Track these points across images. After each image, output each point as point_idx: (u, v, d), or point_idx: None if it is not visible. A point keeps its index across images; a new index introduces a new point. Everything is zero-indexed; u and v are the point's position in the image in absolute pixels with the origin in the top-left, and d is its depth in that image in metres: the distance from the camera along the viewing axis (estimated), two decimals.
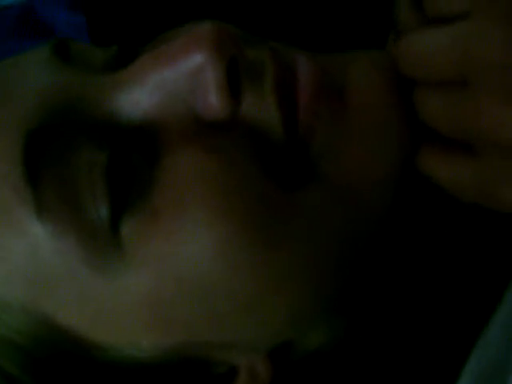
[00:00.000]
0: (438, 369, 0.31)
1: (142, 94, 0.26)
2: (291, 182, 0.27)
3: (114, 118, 0.26)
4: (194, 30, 0.25)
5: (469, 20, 0.24)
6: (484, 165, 0.25)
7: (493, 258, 0.32)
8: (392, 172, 0.29)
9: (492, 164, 0.25)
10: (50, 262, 0.25)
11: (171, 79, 0.25)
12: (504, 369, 0.25)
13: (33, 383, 0.27)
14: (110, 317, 0.27)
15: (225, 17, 0.27)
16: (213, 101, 0.25)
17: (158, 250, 0.25)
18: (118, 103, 0.26)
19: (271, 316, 0.28)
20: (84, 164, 0.25)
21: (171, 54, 0.25)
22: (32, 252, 0.25)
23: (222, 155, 0.25)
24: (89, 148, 0.25)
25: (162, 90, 0.25)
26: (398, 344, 0.32)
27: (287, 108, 0.26)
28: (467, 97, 0.25)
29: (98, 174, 0.24)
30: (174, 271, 0.26)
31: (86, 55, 0.28)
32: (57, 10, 0.56)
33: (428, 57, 0.26)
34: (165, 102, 0.26)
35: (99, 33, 0.30)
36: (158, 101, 0.26)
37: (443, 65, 0.25)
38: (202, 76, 0.25)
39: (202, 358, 0.29)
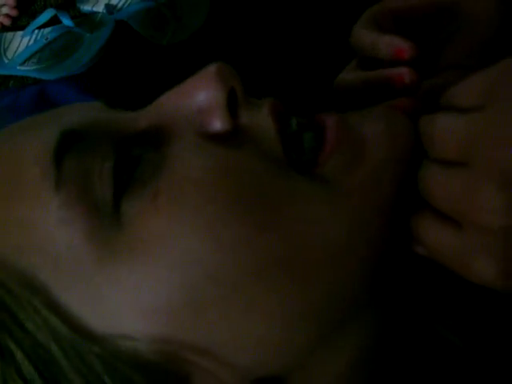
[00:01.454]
0: None
1: (161, 113, 0.32)
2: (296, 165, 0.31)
3: (129, 126, 0.32)
4: (203, 70, 0.32)
5: (482, 112, 0.27)
6: (465, 239, 0.27)
7: None
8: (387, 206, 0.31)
9: (472, 239, 0.27)
10: (58, 231, 0.29)
11: (187, 103, 0.31)
12: None
13: None
14: (104, 299, 0.28)
15: None
16: (215, 118, 0.31)
17: (154, 229, 0.28)
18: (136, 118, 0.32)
19: (256, 313, 0.29)
20: (98, 158, 0.30)
21: (186, 90, 0.32)
22: (44, 219, 0.29)
23: (222, 149, 0.30)
24: (104, 148, 0.30)
25: (177, 109, 0.32)
26: None
27: (281, 121, 0.31)
28: (463, 176, 0.27)
29: (107, 166, 0.29)
30: (168, 252, 0.28)
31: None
32: (68, 93, 0.60)
33: (438, 136, 0.29)
34: (177, 115, 0.32)
35: (112, 100, 0.35)
36: (171, 115, 0.32)
37: (449, 146, 0.28)
38: (207, 102, 0.31)
39: (185, 372, 0.29)
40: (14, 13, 0.76)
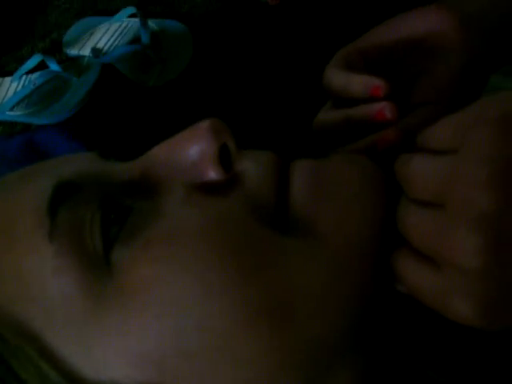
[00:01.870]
0: None
1: (154, 164, 0.33)
2: (279, 227, 0.31)
3: (122, 177, 0.33)
4: (196, 124, 0.33)
5: (454, 156, 0.28)
6: (443, 278, 0.28)
7: None
8: (368, 236, 0.32)
9: (450, 279, 0.28)
10: (51, 280, 0.29)
11: (179, 156, 0.33)
12: None
13: None
14: (95, 347, 0.29)
15: None
16: (208, 170, 0.32)
17: (144, 278, 0.29)
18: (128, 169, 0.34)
19: (242, 361, 0.29)
20: (89, 210, 0.31)
21: (179, 143, 0.33)
22: (38, 269, 0.30)
23: (213, 202, 0.31)
24: (95, 200, 0.31)
25: (170, 161, 0.33)
26: None
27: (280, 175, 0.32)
28: (439, 218, 0.28)
29: (96, 217, 0.31)
30: (156, 301, 0.29)
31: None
32: (57, 141, 0.62)
33: (414, 177, 0.30)
34: (169, 167, 0.33)
35: (103, 151, 0.36)
36: (164, 166, 0.33)
37: (425, 187, 0.29)
38: (200, 156, 0.32)
39: None
40: None
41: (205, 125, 0.32)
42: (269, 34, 0.68)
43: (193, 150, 0.32)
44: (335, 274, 0.30)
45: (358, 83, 0.38)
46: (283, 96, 0.61)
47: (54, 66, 0.73)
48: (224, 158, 0.33)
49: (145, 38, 0.71)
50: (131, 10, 0.75)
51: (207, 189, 0.32)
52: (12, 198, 0.32)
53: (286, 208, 0.32)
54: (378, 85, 0.37)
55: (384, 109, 0.36)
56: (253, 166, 0.33)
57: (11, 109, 0.74)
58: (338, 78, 0.39)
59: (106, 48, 0.74)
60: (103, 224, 0.30)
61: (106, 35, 0.76)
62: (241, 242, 0.30)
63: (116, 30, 0.76)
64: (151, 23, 0.75)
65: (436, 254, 0.28)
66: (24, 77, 0.75)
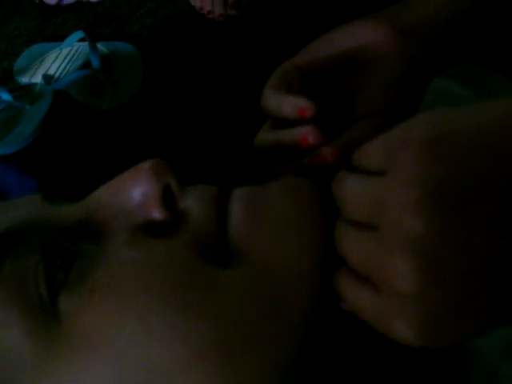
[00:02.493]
0: None
1: (98, 206, 0.33)
2: (220, 262, 0.31)
3: (66, 221, 0.33)
4: (139, 165, 0.33)
5: (384, 177, 0.28)
6: (382, 300, 0.28)
7: None
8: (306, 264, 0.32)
9: (388, 301, 0.28)
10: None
11: (122, 198, 0.33)
12: None
13: None
14: None
15: None
16: (150, 211, 0.32)
17: (91, 325, 0.29)
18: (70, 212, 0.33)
19: None
20: (33, 258, 0.31)
21: (121, 185, 0.33)
22: None
23: (155, 243, 0.31)
24: (38, 247, 0.31)
25: (113, 203, 0.33)
26: None
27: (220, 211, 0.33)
28: (374, 241, 0.28)
29: (40, 266, 0.30)
30: (103, 347, 0.29)
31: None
32: (5, 174, 0.61)
33: (348, 199, 0.30)
34: (113, 209, 0.33)
35: (50, 192, 0.36)
36: (108, 209, 0.33)
37: (358, 209, 0.29)
38: (142, 197, 0.33)
39: None
40: None
41: (146, 166, 0.33)
42: (214, 52, 0.69)
43: (135, 191, 0.32)
44: (278, 299, 0.31)
45: (288, 104, 0.38)
46: (225, 117, 0.62)
47: (5, 96, 0.72)
48: (167, 198, 0.33)
49: (95, 63, 0.72)
50: (80, 34, 0.75)
51: (152, 229, 0.32)
52: None
53: (226, 240, 0.32)
54: (305, 107, 0.37)
55: (307, 135, 0.37)
56: (195, 204, 0.33)
57: None
58: (273, 99, 0.40)
59: (57, 74, 0.75)
60: (47, 272, 0.30)
61: (57, 61, 0.76)
62: (183, 281, 0.30)
63: (66, 56, 0.76)
64: (101, 46, 0.75)
65: (373, 276, 0.28)
66: None
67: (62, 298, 0.30)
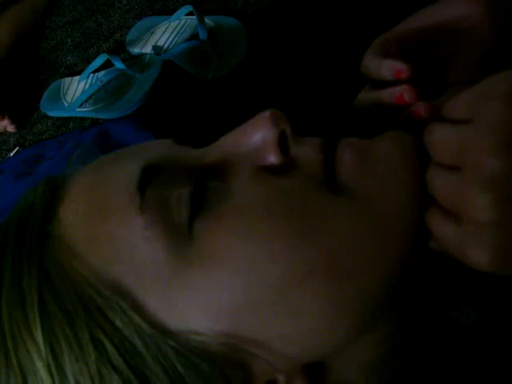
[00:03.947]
0: None
1: (223, 152, 0.38)
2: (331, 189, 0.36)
3: (199, 161, 0.38)
4: (260, 113, 0.38)
5: (469, 125, 0.32)
6: (463, 229, 0.32)
7: None
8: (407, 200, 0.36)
9: (469, 231, 0.32)
10: (142, 246, 0.34)
11: (246, 142, 0.38)
12: None
13: None
14: (178, 301, 0.34)
15: None
16: (269, 154, 0.37)
17: (219, 244, 0.34)
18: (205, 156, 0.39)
19: (302, 311, 0.34)
20: (176, 187, 0.36)
21: (245, 132, 0.38)
22: (130, 237, 0.35)
23: (275, 178, 0.36)
24: (180, 178, 0.36)
25: (239, 147, 0.38)
26: None
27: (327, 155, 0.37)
28: (458, 179, 0.32)
29: (185, 192, 0.35)
30: (229, 262, 0.34)
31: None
32: (127, 131, 0.67)
33: (437, 145, 0.34)
34: (239, 152, 0.38)
35: (179, 137, 0.41)
36: (235, 151, 0.38)
37: (446, 153, 0.34)
38: (263, 142, 0.37)
39: (245, 361, 0.35)
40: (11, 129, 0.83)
41: (266, 114, 0.37)
42: (316, 27, 0.71)
43: (257, 136, 0.37)
44: (382, 233, 0.35)
45: (386, 67, 0.42)
46: (328, 81, 0.64)
47: (118, 64, 0.78)
48: (282, 143, 0.37)
49: (202, 34, 0.76)
50: (188, 8, 0.79)
51: (269, 169, 0.37)
52: (105, 178, 0.38)
53: (334, 178, 0.36)
54: (401, 68, 0.41)
55: (403, 93, 0.40)
56: (305, 149, 0.37)
57: (80, 106, 0.79)
58: (372, 62, 0.43)
59: (166, 45, 0.79)
60: (192, 198, 0.35)
61: (166, 33, 0.80)
62: (301, 207, 0.34)
63: (175, 28, 0.80)
64: (207, 20, 0.79)
65: (457, 209, 0.33)
66: (91, 76, 0.81)
67: (197, 221, 0.35)
